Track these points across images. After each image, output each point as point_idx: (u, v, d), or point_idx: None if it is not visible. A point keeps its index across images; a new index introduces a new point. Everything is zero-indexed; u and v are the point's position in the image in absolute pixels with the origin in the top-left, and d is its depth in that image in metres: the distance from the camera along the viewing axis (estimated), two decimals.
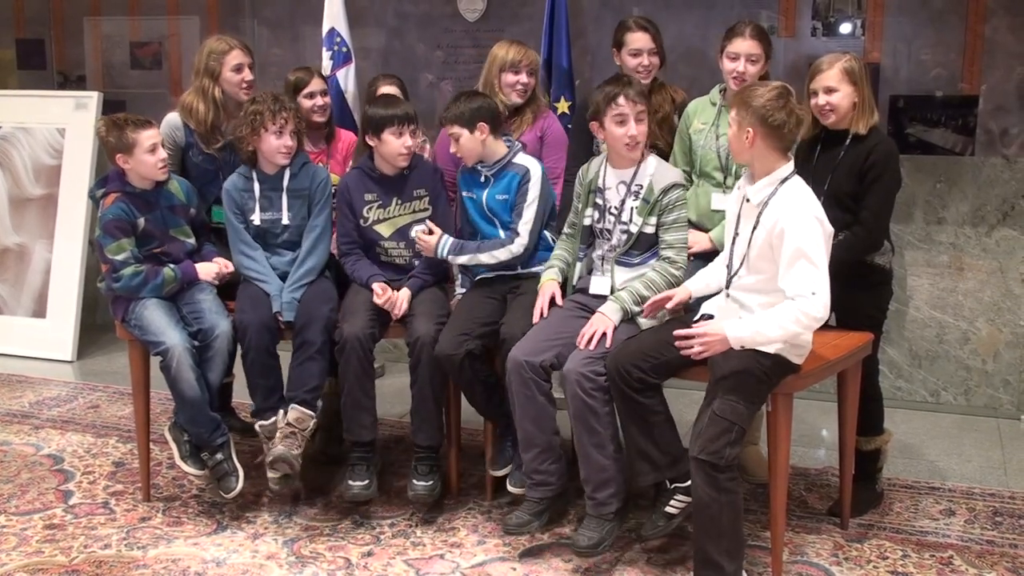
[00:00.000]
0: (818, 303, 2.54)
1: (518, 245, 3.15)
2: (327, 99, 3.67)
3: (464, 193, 3.28)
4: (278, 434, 3.14)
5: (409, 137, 3.20)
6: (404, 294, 3.19)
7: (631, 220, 2.98)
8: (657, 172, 2.98)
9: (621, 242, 3.00)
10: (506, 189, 3.17)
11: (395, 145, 3.19)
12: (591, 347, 2.83)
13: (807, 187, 2.68)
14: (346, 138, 3.76)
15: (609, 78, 3.13)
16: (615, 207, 3.01)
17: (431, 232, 3.21)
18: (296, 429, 3.14)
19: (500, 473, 3.19)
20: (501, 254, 3.16)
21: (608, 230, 3.02)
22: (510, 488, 3.13)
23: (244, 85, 3.50)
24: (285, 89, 3.59)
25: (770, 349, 2.62)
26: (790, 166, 2.68)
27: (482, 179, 3.21)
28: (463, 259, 3.19)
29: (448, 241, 3.18)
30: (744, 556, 2.72)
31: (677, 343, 2.67)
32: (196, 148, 3.47)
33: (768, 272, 2.65)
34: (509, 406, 2.99)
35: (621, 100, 2.91)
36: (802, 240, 2.55)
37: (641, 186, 2.97)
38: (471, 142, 3.14)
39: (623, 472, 2.86)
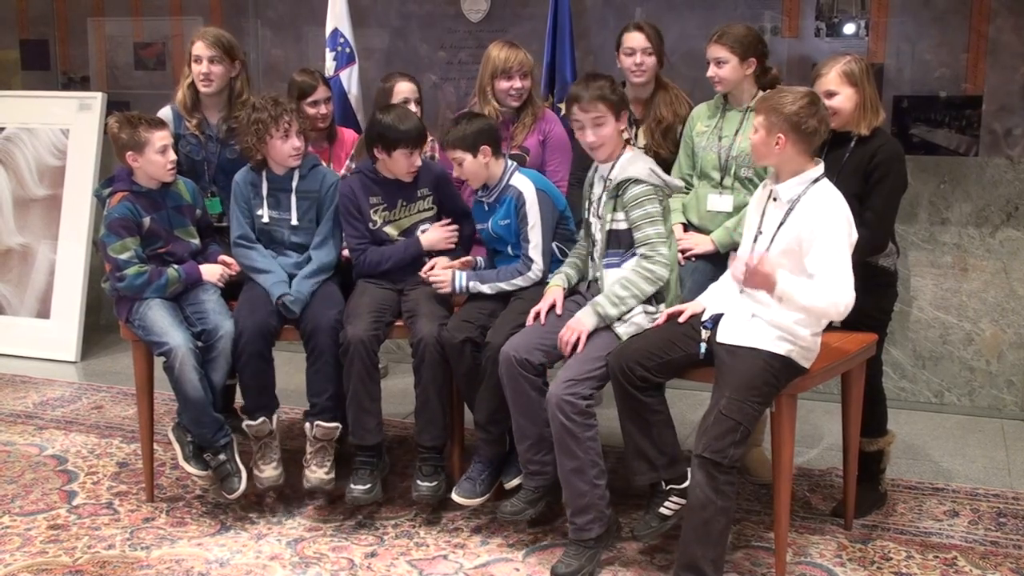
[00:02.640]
0: (843, 290, 2.58)
1: (535, 271, 3.14)
2: (330, 106, 3.68)
3: (479, 226, 3.29)
4: (308, 448, 3.17)
5: (418, 157, 3.20)
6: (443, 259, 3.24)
7: (605, 216, 2.96)
8: (620, 167, 2.93)
9: (601, 237, 2.98)
10: (506, 214, 3.16)
11: (403, 164, 3.19)
12: (566, 351, 2.85)
13: (836, 190, 2.70)
14: (349, 138, 3.76)
15: (577, 80, 3.13)
16: (595, 202, 3.01)
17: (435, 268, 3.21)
18: (324, 443, 3.17)
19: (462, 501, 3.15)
20: (520, 281, 3.14)
21: (591, 223, 3.03)
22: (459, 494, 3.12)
23: (200, 77, 3.48)
24: (289, 90, 3.60)
25: (781, 351, 2.63)
26: (820, 168, 2.70)
27: (486, 208, 3.21)
28: (485, 288, 3.15)
29: (463, 274, 3.17)
30: (726, 570, 2.72)
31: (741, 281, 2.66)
32: (185, 139, 3.50)
33: (789, 269, 2.66)
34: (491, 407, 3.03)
35: (575, 109, 2.91)
36: (832, 242, 2.60)
37: (612, 180, 2.93)
38: (475, 166, 3.12)
39: (604, 499, 2.84)
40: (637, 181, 2.87)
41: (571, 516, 2.85)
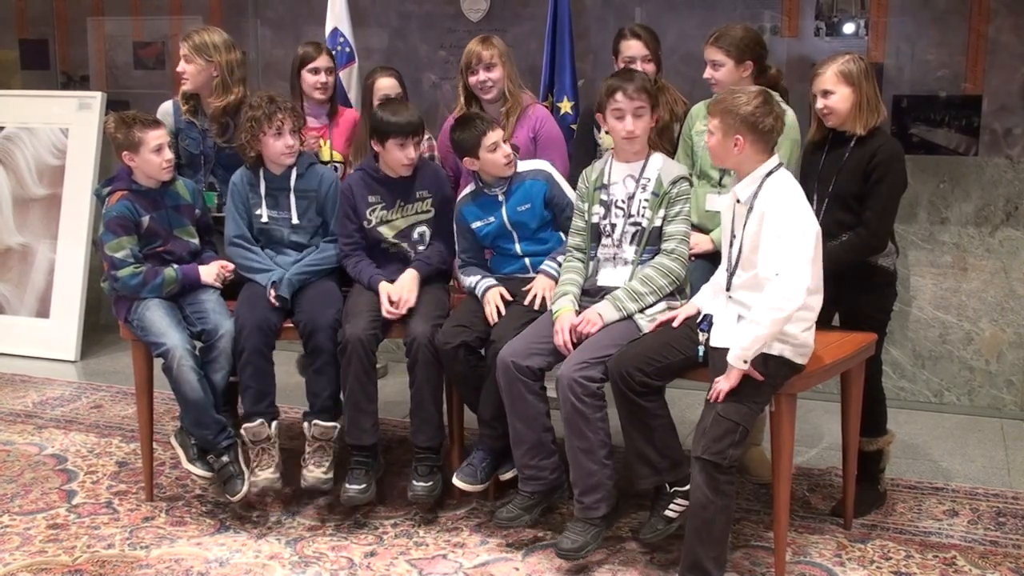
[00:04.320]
0: (785, 282, 2.53)
1: None
2: (331, 77, 3.68)
3: (476, 224, 3.24)
4: (307, 448, 3.16)
5: (413, 149, 3.19)
6: (410, 275, 3.19)
7: (641, 214, 2.97)
8: (665, 166, 3.00)
9: (627, 236, 2.99)
10: (526, 198, 3.16)
11: (398, 155, 3.18)
12: (578, 332, 2.86)
13: (792, 179, 2.70)
14: (348, 115, 3.76)
15: (617, 71, 3.14)
16: (622, 200, 3.01)
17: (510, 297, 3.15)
18: (322, 442, 3.17)
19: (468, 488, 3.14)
20: None
21: (613, 224, 3.02)
22: (456, 482, 3.11)
23: (182, 72, 3.51)
24: (293, 64, 3.64)
25: (774, 351, 2.62)
26: (775, 159, 2.69)
27: (499, 198, 3.20)
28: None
29: (549, 263, 3.14)
30: (727, 569, 2.73)
31: (711, 400, 2.64)
32: (184, 132, 3.50)
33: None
34: (491, 407, 3.03)
35: (619, 96, 2.91)
36: (777, 224, 2.57)
37: (649, 179, 2.97)
38: (489, 164, 3.15)
39: (612, 478, 2.86)
40: (685, 179, 2.97)
41: (578, 495, 2.86)
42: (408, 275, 3.21)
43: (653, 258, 2.97)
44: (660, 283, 2.91)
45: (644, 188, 2.98)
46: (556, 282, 3.10)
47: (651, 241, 2.98)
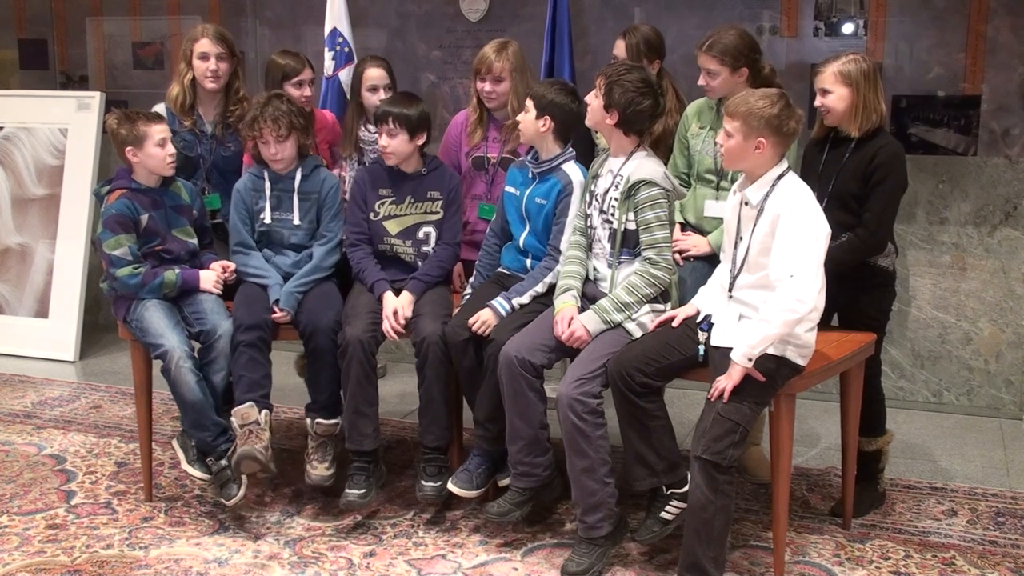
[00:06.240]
0: (798, 285, 2.54)
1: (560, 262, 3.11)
2: (314, 88, 3.67)
3: (508, 188, 3.22)
4: (310, 444, 3.16)
5: (386, 136, 3.18)
6: (406, 298, 3.19)
7: (611, 212, 2.94)
8: (638, 166, 2.92)
9: (605, 234, 2.96)
10: (546, 194, 3.11)
11: (380, 141, 3.22)
12: (563, 336, 2.86)
13: (802, 182, 2.70)
14: (322, 121, 3.74)
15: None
16: (600, 195, 2.99)
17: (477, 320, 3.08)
18: (325, 438, 3.17)
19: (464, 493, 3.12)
20: (551, 277, 3.09)
21: (591, 215, 3.01)
22: (450, 486, 3.09)
23: (208, 75, 3.49)
24: (268, 73, 3.59)
25: (776, 351, 2.63)
26: (784, 163, 2.70)
27: (529, 175, 3.15)
28: (526, 299, 3.07)
29: (500, 301, 3.06)
30: (726, 569, 2.73)
31: (712, 399, 2.64)
32: (179, 135, 3.49)
33: (768, 268, 2.66)
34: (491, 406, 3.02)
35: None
36: (792, 226, 2.58)
37: (622, 177, 2.92)
38: (530, 125, 3.08)
39: (614, 496, 2.85)
40: (651, 183, 2.87)
41: (581, 515, 2.85)
42: (404, 297, 3.19)
43: (631, 260, 2.93)
44: (646, 292, 2.88)
45: (617, 186, 2.93)
46: (500, 319, 3.03)
47: (626, 243, 2.93)
